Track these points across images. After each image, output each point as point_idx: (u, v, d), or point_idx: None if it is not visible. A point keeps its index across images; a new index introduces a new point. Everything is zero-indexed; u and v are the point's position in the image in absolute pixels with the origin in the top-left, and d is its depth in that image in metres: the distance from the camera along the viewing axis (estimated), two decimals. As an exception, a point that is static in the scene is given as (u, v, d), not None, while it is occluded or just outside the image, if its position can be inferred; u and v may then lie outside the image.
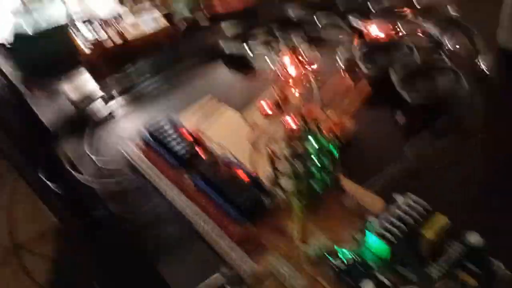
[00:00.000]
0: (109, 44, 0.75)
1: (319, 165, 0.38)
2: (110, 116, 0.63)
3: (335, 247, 0.35)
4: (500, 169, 0.42)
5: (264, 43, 0.67)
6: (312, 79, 0.44)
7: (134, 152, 0.52)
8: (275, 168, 0.41)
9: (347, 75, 0.55)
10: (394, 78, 0.51)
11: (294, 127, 0.41)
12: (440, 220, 0.32)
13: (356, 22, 0.66)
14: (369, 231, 0.34)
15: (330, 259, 0.34)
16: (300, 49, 0.60)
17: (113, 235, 0.53)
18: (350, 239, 0.36)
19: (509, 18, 0.51)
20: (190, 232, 0.42)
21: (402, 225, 0.33)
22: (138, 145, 0.53)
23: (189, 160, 0.47)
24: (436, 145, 0.43)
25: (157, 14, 0.83)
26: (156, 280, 0.40)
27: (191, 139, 0.49)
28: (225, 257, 0.38)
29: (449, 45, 0.55)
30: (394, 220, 0.33)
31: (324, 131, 0.41)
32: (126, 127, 0.60)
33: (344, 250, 0.34)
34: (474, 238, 0.31)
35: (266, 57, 0.63)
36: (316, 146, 0.38)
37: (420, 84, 0.50)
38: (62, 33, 0.74)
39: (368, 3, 0.68)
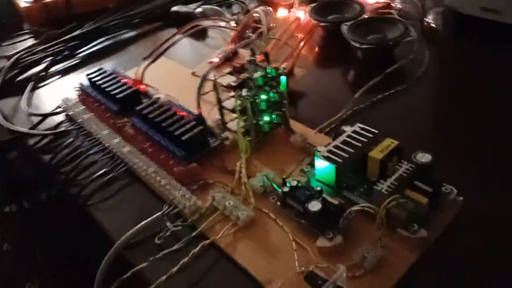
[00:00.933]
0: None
1: (265, 97, 0.36)
2: (51, 76, 0.59)
3: (283, 177, 0.33)
4: (445, 105, 0.42)
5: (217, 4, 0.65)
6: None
7: (72, 102, 0.48)
8: (221, 105, 0.38)
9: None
10: (344, 29, 0.50)
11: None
12: (389, 143, 0.31)
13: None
14: (316, 156, 0.32)
15: (276, 187, 0.32)
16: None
17: (48, 189, 0.49)
18: (298, 173, 0.34)
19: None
20: (131, 176, 0.39)
21: (348, 148, 0.31)
22: (77, 94, 0.49)
23: (129, 104, 0.44)
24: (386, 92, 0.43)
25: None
26: (94, 228, 0.37)
27: (134, 85, 0.46)
28: (167, 196, 0.35)
29: (399, 4, 0.56)
30: (341, 145, 0.32)
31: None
32: (67, 86, 0.56)
33: (291, 180, 0.33)
34: (423, 157, 0.30)
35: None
36: (262, 74, 0.36)
37: (370, 36, 0.49)
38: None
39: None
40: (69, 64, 0.61)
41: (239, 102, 0.35)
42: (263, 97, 0.35)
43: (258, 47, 0.44)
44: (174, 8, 0.66)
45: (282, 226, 0.31)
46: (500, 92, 0.42)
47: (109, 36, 0.65)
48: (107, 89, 0.45)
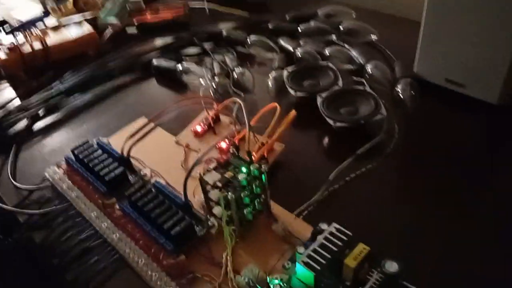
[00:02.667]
0: (28, 49, 0.71)
1: (248, 192, 0.38)
2: (34, 136, 0.60)
3: (267, 277, 0.36)
4: (417, 191, 0.46)
5: (197, 62, 0.67)
6: (241, 103, 0.45)
7: (59, 176, 0.50)
8: (207, 196, 0.41)
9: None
10: (319, 102, 0.53)
11: (225, 154, 0.42)
12: (362, 249, 0.35)
13: (285, 43, 0.68)
14: (297, 260, 0.35)
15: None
16: (234, 72, 0.61)
17: (32, 264, 0.50)
18: (280, 268, 0.38)
19: (424, 51, 0.55)
20: (117, 261, 0.41)
21: (325, 253, 0.35)
22: (63, 168, 0.50)
23: (117, 185, 0.46)
24: (359, 170, 0.47)
25: (82, 19, 0.79)
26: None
27: (120, 163, 0.48)
28: (153, 287, 0.38)
29: (370, 71, 0.59)
30: (319, 249, 0.35)
31: (254, 157, 0.42)
32: (52, 147, 0.57)
33: (274, 280, 0.36)
34: (391, 266, 0.34)
35: (200, 78, 0.63)
36: (246, 175, 0.39)
37: (343, 109, 0.53)
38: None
39: (298, 25, 0.71)
40: (52, 121, 0.62)
41: (222, 199, 0.38)
42: (247, 197, 0.38)
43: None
44: (155, 62, 0.68)
45: (266, 327, 0.34)
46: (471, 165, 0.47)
47: (91, 89, 0.66)
48: (94, 168, 0.47)
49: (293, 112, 0.46)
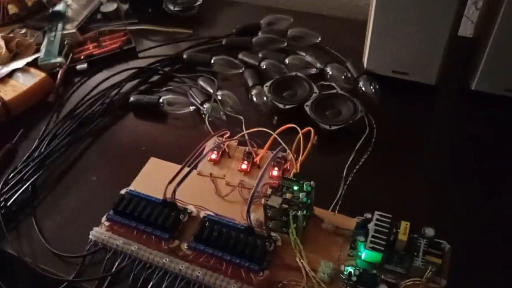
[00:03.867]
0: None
1: (305, 204, 0.47)
2: (46, 202, 0.59)
3: (341, 266, 0.46)
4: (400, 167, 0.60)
5: (174, 90, 0.70)
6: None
7: (108, 235, 0.51)
8: (267, 216, 0.49)
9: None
10: (308, 110, 0.63)
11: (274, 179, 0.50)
12: (405, 225, 0.47)
13: (248, 58, 0.75)
14: (363, 248, 0.46)
15: (343, 276, 0.45)
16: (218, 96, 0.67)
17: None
18: (345, 256, 0.48)
19: (373, 48, 0.68)
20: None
21: (382, 235, 0.46)
22: (107, 226, 0.52)
23: (174, 228, 0.51)
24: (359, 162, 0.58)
25: (23, 64, 0.75)
26: None
27: (165, 206, 0.52)
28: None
29: (330, 72, 0.70)
30: (376, 234, 0.46)
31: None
32: (71, 211, 0.58)
33: (347, 267, 0.46)
34: (430, 231, 0.46)
35: (191, 107, 0.67)
36: (302, 191, 0.47)
37: (328, 113, 0.63)
38: None
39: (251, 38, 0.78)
40: (56, 185, 0.61)
41: (291, 217, 0.46)
42: (306, 210, 0.47)
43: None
44: (133, 99, 0.69)
45: (357, 304, 0.44)
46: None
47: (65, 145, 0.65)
48: (149, 218, 0.50)
49: (312, 131, 0.54)
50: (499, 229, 0.52)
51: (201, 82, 0.71)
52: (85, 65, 0.78)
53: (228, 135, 0.58)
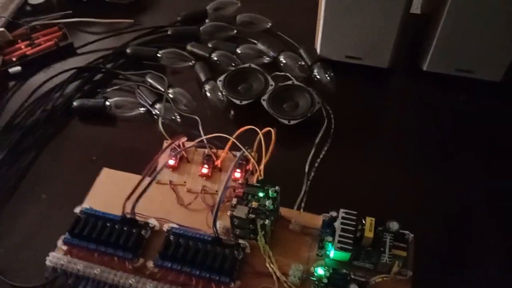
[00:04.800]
0: None
1: (272, 211, 0.47)
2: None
3: (311, 268, 0.46)
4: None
5: (121, 89, 0.66)
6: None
7: (66, 259, 0.48)
8: (234, 225, 0.47)
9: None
10: (265, 105, 0.61)
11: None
12: (370, 221, 0.47)
13: (197, 49, 0.71)
14: (331, 247, 0.46)
15: (313, 278, 0.46)
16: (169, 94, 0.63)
17: None
18: (314, 256, 0.48)
19: (326, 35, 0.66)
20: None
21: (348, 234, 0.46)
22: (65, 250, 0.49)
23: (137, 246, 0.49)
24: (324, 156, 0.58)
25: None
26: None
27: (125, 223, 0.50)
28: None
29: (284, 61, 0.68)
30: (342, 233, 0.46)
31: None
32: (23, 236, 0.53)
33: (317, 268, 0.46)
34: (394, 225, 0.47)
35: (141, 109, 0.63)
36: (268, 198, 0.46)
37: (286, 106, 0.62)
38: None
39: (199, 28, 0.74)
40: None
41: (259, 226, 0.45)
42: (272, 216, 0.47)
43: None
44: (76, 103, 0.64)
45: (329, 305, 0.45)
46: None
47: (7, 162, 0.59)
48: (109, 239, 0.48)
49: (273, 130, 0.53)
50: (463, 213, 0.54)
51: (149, 80, 0.67)
52: (19, 68, 0.71)
53: (185, 139, 0.55)
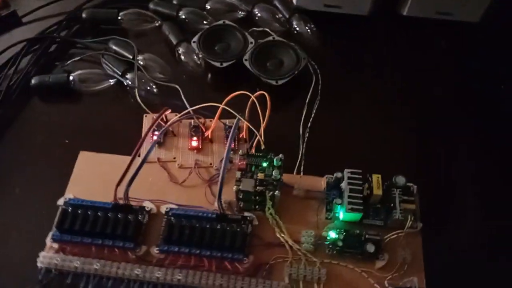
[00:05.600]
0: None
1: (279, 181, 0.44)
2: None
3: (322, 232, 0.45)
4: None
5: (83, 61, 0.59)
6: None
7: (61, 258, 0.44)
8: (239, 199, 0.45)
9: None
10: (248, 65, 0.57)
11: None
12: (376, 178, 0.46)
13: (162, 8, 0.64)
14: (341, 209, 0.45)
15: (326, 242, 0.45)
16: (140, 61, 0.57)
17: None
18: (323, 219, 0.47)
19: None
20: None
21: (357, 194, 0.45)
22: (56, 248, 0.45)
23: (137, 233, 0.45)
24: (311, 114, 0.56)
25: None
26: None
27: (118, 210, 0.46)
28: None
29: (260, 14, 0.63)
30: (351, 194, 0.45)
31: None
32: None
33: (329, 232, 0.45)
34: (400, 180, 0.46)
35: (111, 80, 0.57)
36: (273, 168, 0.44)
37: (269, 64, 0.58)
38: None
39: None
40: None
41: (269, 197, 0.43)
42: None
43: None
44: (35, 81, 0.56)
45: (346, 266, 0.44)
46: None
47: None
48: (105, 231, 0.44)
49: (267, 96, 0.49)
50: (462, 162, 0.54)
51: (113, 46, 0.60)
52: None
53: (169, 112, 0.50)
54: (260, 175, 0.44)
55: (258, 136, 0.47)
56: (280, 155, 0.45)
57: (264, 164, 0.44)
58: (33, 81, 0.57)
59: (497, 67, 0.62)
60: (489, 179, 0.53)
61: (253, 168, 0.44)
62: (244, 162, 0.44)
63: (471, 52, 0.64)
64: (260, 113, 0.48)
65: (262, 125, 0.47)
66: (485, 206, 0.51)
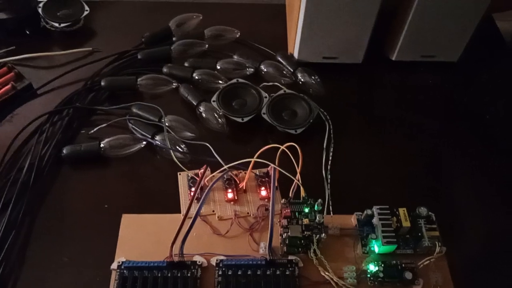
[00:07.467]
0: None
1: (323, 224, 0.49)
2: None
3: (362, 266, 0.50)
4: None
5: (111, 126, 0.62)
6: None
7: None
8: (286, 244, 0.49)
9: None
10: (267, 118, 0.62)
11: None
12: (403, 211, 0.52)
13: (177, 71, 0.69)
14: (376, 243, 0.50)
15: (368, 275, 0.49)
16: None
17: None
18: (360, 254, 0.51)
19: (304, 39, 0.68)
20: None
21: (388, 228, 0.51)
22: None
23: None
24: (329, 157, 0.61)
25: None
26: None
27: (172, 268, 0.48)
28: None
29: (266, 70, 0.69)
30: (384, 228, 0.50)
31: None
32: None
33: (368, 265, 0.50)
34: (423, 211, 0.52)
35: (143, 142, 0.60)
36: (316, 213, 0.49)
37: (284, 114, 0.64)
38: None
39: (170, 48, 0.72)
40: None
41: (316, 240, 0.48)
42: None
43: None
44: (67, 151, 0.58)
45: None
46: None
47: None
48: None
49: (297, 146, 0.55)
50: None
51: (136, 111, 0.64)
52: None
53: (208, 170, 0.55)
54: (306, 221, 0.48)
55: (299, 183, 0.52)
56: (319, 200, 0.50)
57: (306, 210, 0.49)
58: (64, 151, 0.59)
59: (482, 98, 0.71)
60: (490, 204, 0.60)
61: (296, 214, 0.49)
62: (288, 210, 0.49)
63: (455, 87, 0.73)
64: (294, 162, 0.53)
65: (298, 172, 0.52)
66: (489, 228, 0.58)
